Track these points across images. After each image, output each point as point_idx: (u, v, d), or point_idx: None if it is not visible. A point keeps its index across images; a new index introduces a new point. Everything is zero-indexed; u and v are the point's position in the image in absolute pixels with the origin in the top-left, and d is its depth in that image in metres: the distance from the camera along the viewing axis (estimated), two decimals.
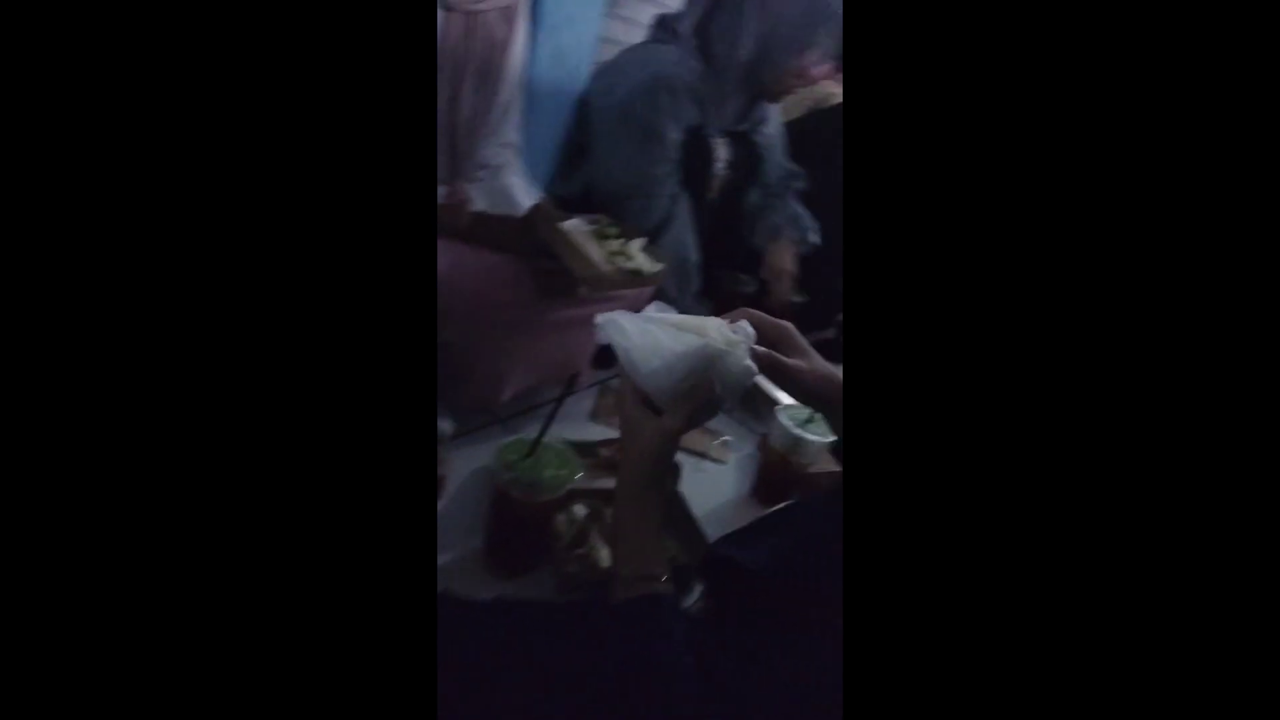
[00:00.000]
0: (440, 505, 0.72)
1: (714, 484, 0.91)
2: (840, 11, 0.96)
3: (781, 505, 0.76)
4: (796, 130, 1.46)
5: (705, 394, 0.51)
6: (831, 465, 0.92)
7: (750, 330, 0.52)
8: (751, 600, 0.58)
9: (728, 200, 1.27)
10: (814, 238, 1.26)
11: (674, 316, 0.53)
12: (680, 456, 0.89)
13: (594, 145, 1.10)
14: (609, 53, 1.19)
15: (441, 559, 0.66)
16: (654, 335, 0.51)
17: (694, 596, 0.65)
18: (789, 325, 0.55)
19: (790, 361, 0.53)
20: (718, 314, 0.53)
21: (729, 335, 0.51)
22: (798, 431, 0.83)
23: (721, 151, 1.17)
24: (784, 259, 1.23)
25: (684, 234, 1.12)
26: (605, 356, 0.70)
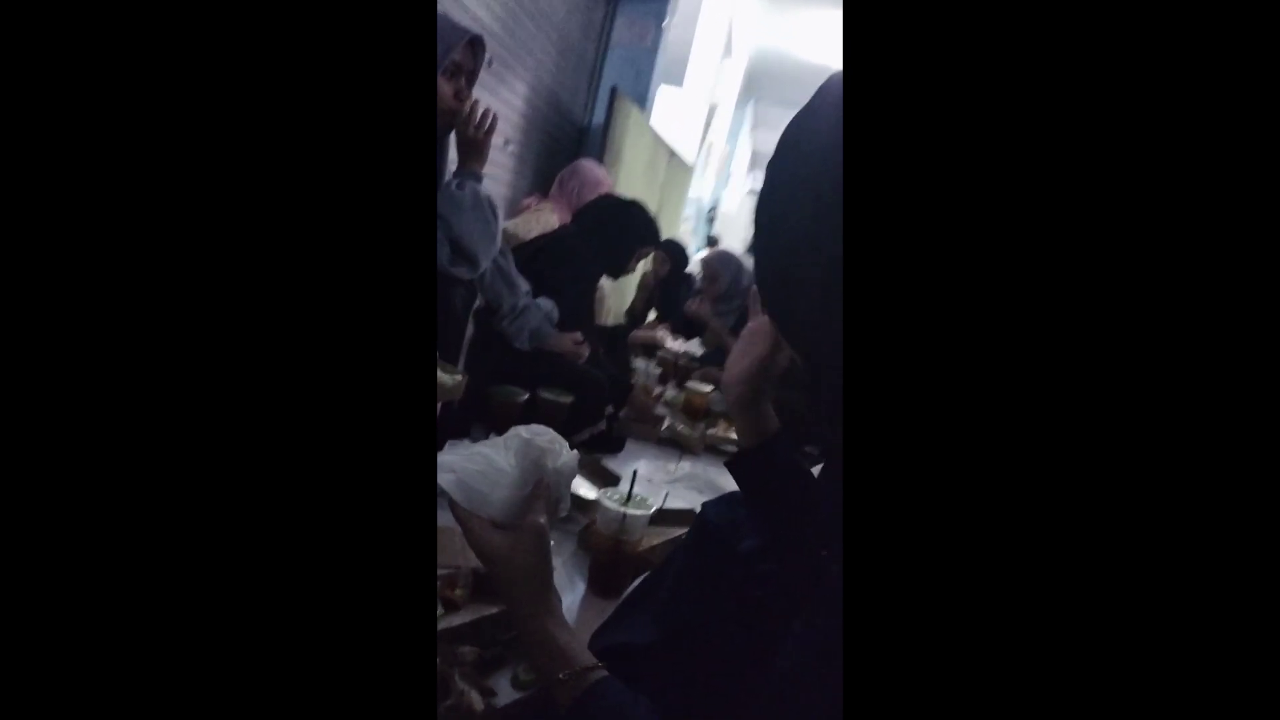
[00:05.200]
0: None
1: None
2: (475, 32, 1.04)
3: (637, 582, 0.76)
4: (529, 251, 1.57)
5: (547, 491, 0.51)
6: (658, 538, 0.95)
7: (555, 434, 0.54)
8: (654, 674, 0.57)
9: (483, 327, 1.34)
10: (557, 315, 1.41)
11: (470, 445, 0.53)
12: None
13: None
14: None
15: None
16: (479, 457, 0.50)
17: None
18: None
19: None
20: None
21: (539, 430, 0.53)
22: (622, 510, 0.85)
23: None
24: (563, 344, 1.41)
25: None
26: None
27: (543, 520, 0.50)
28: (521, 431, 0.52)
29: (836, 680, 0.31)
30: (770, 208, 0.46)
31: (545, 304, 1.36)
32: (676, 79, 3.86)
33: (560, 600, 0.51)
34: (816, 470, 0.64)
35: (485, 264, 1.04)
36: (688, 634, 0.60)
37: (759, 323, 0.61)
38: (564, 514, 0.55)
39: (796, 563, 0.55)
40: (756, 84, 7.13)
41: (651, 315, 2.73)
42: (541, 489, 0.51)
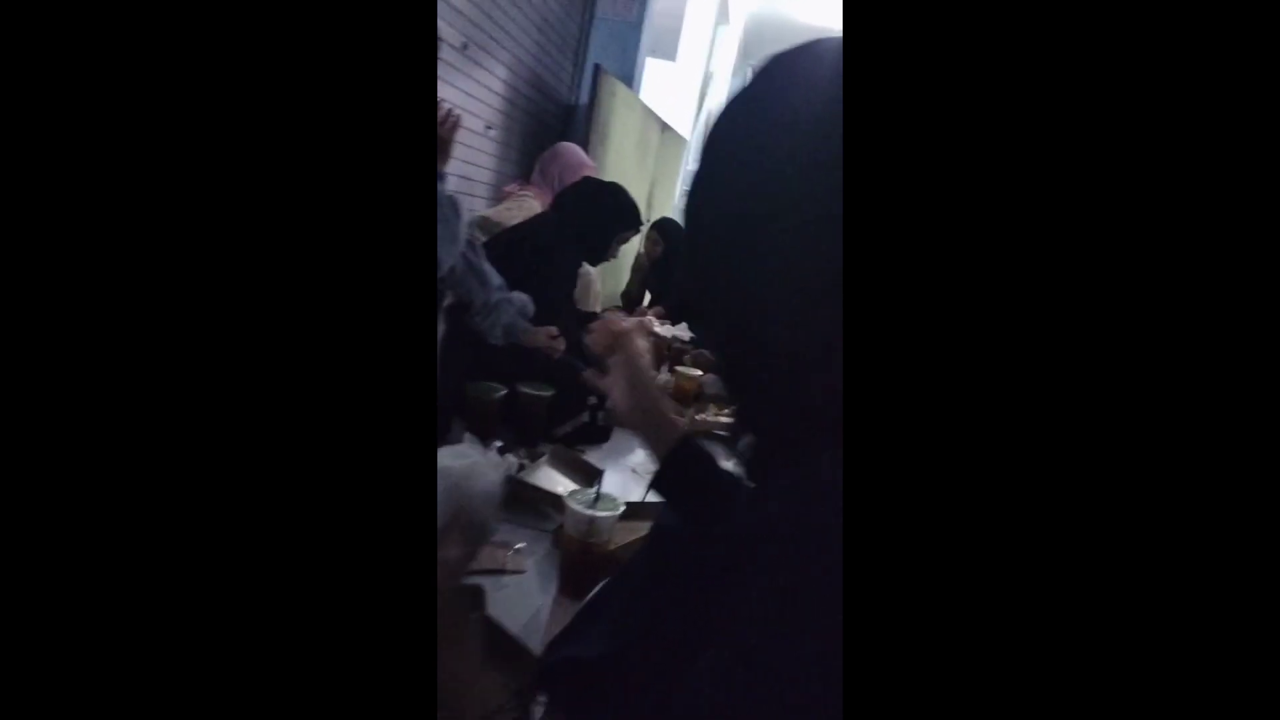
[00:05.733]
0: None
1: (520, 596, 0.86)
2: None
3: (596, 590, 0.75)
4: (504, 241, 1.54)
5: (468, 517, 0.50)
6: (628, 538, 0.94)
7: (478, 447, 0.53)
8: (600, 690, 0.56)
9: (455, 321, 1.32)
10: (531, 307, 1.39)
11: None
12: (477, 580, 0.83)
13: None
14: None
15: None
16: None
17: (538, 716, 0.60)
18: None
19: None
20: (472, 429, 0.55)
21: (462, 453, 0.52)
22: (589, 513, 0.83)
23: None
24: (537, 339, 1.38)
25: None
26: None
27: (457, 553, 0.48)
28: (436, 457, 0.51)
29: (781, 696, 0.31)
30: (703, 198, 0.44)
31: (519, 298, 1.34)
32: (669, 51, 3.77)
33: (478, 637, 0.49)
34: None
35: (448, 263, 1.02)
36: (641, 647, 0.59)
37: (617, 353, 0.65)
38: (492, 537, 0.53)
39: (724, 574, 0.54)
40: (755, 51, 6.97)
41: (648, 297, 2.70)
42: (457, 518, 0.49)
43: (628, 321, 0.73)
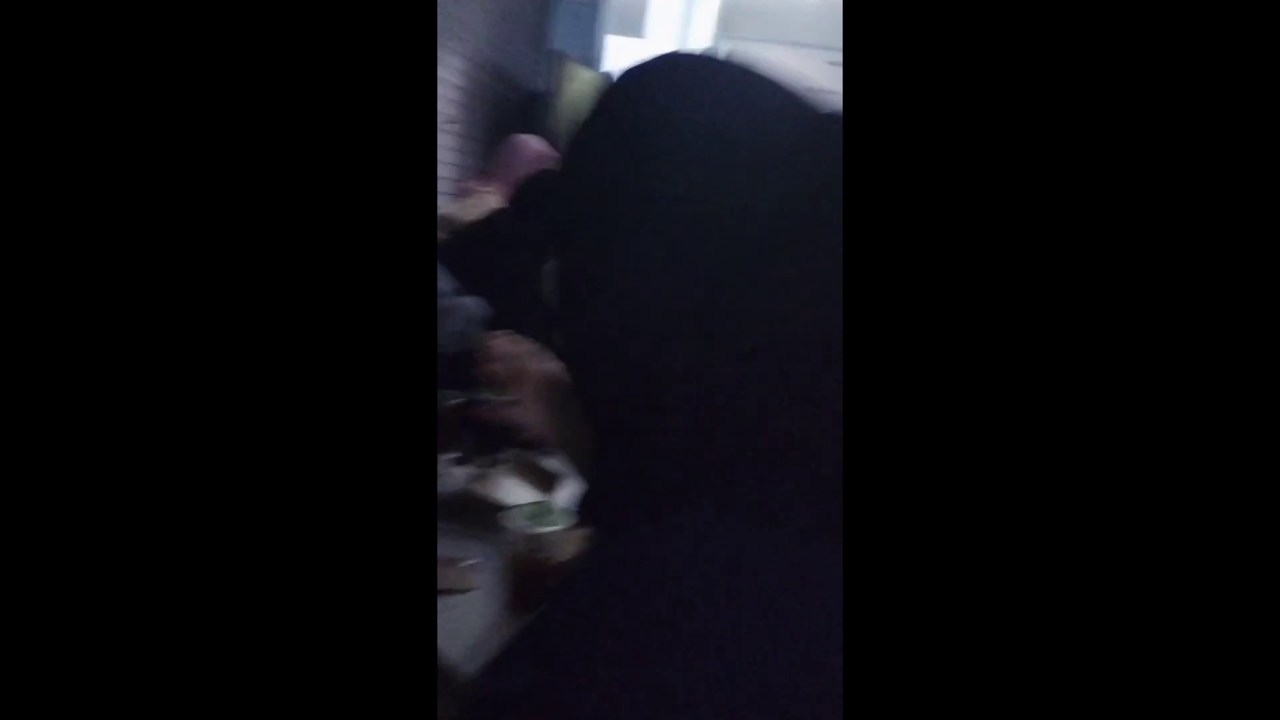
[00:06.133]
0: None
1: (469, 614, 0.85)
2: None
3: (532, 615, 0.73)
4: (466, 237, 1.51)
5: None
6: (577, 547, 0.92)
7: None
8: None
9: None
10: (485, 311, 1.36)
11: None
12: None
13: None
14: None
15: None
16: None
17: None
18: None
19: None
20: None
21: None
22: (533, 530, 0.81)
23: None
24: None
25: None
26: None
27: None
28: None
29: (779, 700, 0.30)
30: (562, 229, 0.43)
31: (471, 303, 1.31)
32: (636, 29, 3.70)
33: None
34: None
35: None
36: (575, 675, 0.57)
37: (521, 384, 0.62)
38: None
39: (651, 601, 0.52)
40: (732, 24, 6.84)
41: None
42: None
43: (525, 344, 0.70)
